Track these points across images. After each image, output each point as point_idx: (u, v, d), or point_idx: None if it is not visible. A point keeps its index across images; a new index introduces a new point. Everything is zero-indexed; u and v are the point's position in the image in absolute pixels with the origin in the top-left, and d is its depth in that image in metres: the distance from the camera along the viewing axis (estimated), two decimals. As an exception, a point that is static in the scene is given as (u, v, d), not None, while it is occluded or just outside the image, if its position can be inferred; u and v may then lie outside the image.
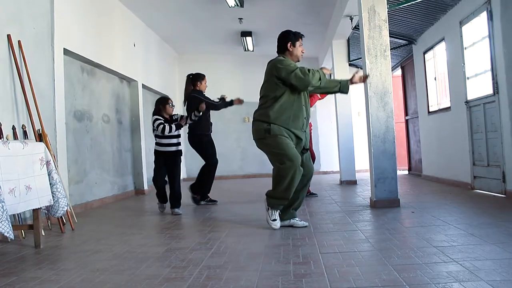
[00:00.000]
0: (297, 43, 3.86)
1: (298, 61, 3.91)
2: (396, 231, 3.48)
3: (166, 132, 4.95)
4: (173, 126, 4.99)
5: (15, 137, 4.06)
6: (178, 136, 5.14)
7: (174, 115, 5.20)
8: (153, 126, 5.03)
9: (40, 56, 4.71)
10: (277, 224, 3.76)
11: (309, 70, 3.68)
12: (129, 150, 7.58)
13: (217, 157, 5.69)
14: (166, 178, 5.12)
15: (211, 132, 5.74)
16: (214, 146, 5.72)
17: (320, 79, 3.68)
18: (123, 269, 2.69)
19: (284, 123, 3.68)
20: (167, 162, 5.06)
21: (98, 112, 6.44)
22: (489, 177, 5.49)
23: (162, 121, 4.99)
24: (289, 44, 3.86)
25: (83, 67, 6.04)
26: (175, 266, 2.69)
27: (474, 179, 5.92)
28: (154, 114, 5.13)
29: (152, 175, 5.27)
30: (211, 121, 5.78)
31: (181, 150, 5.18)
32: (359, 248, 2.98)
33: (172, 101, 5.16)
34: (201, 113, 5.14)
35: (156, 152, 5.13)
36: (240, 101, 5.70)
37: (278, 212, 3.78)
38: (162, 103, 5.12)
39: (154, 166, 5.21)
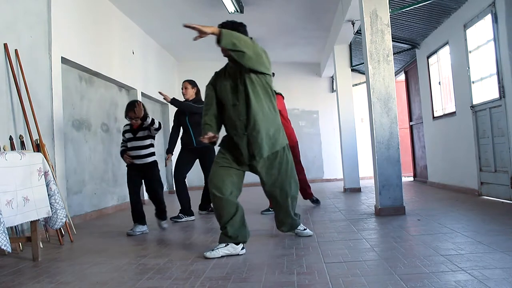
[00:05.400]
0: None
1: (225, 56, 3.41)
2: (402, 240, 3.41)
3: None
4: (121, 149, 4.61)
5: (12, 147, 4.02)
6: (148, 146, 4.49)
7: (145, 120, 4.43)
8: None
9: (38, 65, 4.68)
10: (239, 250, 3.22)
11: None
12: (130, 159, 7.53)
13: (180, 173, 5.27)
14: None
15: (194, 145, 5.23)
16: (187, 160, 5.34)
17: None
18: (123, 281, 2.64)
19: (227, 130, 3.42)
20: (139, 175, 4.52)
21: (96, 121, 6.40)
22: (496, 183, 5.41)
23: (122, 141, 4.62)
24: None
25: (81, 75, 6.01)
26: (176, 278, 2.64)
27: (481, 185, 5.83)
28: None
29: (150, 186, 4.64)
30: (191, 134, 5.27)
31: (150, 163, 4.51)
32: (364, 257, 2.92)
33: (136, 109, 4.30)
34: (152, 125, 4.44)
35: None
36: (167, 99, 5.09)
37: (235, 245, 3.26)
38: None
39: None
